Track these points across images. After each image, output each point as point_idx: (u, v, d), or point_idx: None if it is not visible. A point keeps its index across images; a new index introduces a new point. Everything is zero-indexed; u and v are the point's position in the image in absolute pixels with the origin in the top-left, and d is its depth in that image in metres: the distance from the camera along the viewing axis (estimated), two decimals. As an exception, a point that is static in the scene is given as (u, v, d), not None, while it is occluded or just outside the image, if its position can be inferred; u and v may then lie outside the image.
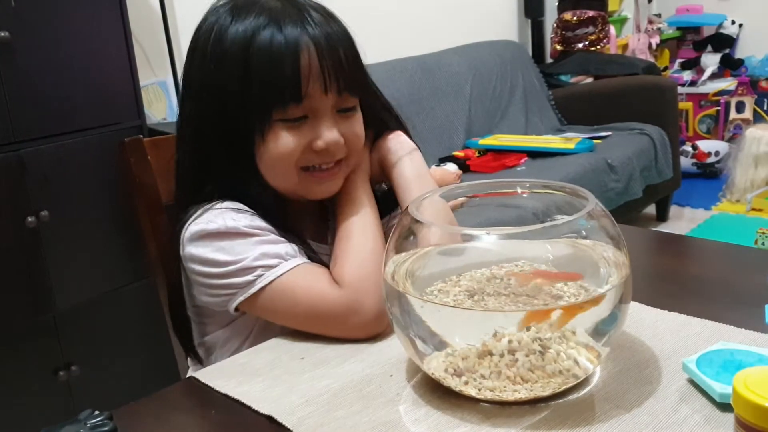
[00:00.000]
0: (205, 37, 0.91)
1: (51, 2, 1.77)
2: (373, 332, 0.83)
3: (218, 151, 0.92)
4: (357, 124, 0.95)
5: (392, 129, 1.02)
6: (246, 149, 0.91)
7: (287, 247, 0.88)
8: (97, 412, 0.65)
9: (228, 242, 0.87)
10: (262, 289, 0.85)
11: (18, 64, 1.72)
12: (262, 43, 0.87)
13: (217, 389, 0.75)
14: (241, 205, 0.91)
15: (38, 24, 1.75)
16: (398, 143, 1.01)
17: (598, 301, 0.67)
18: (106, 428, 0.63)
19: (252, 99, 0.88)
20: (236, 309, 0.88)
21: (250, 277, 0.85)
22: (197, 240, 0.89)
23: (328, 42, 0.88)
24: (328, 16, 0.92)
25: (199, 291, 0.92)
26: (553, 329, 0.65)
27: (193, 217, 0.91)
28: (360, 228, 0.91)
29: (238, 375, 0.78)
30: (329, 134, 0.91)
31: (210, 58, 0.90)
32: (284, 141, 0.90)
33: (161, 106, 2.45)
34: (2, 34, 1.68)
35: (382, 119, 1.02)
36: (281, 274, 0.85)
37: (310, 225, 1.00)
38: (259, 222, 0.89)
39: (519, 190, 0.81)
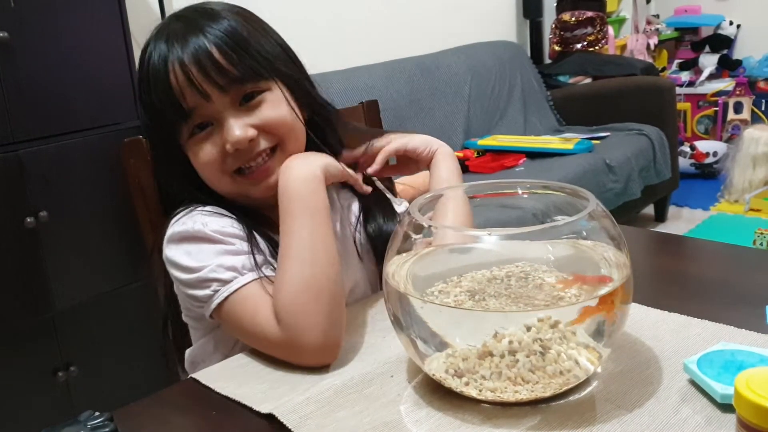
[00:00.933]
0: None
1: (50, 3, 1.77)
2: (318, 364, 0.78)
3: (161, 160, 0.96)
4: (272, 108, 0.91)
5: (323, 107, 1.00)
6: (180, 160, 0.93)
7: (245, 260, 0.85)
8: (97, 413, 0.65)
9: (194, 246, 0.87)
10: (220, 304, 0.84)
11: (17, 64, 1.72)
12: (145, 72, 0.90)
13: (218, 390, 0.75)
14: (221, 210, 0.91)
15: (37, 24, 1.75)
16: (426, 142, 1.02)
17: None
18: (107, 429, 0.63)
19: (156, 124, 0.91)
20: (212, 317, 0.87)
21: (208, 291, 0.84)
22: (169, 242, 0.89)
23: (194, 48, 0.87)
24: (203, 15, 0.91)
25: (179, 295, 0.92)
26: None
27: (173, 219, 0.91)
28: (296, 249, 0.82)
29: (238, 376, 0.78)
30: (233, 133, 0.88)
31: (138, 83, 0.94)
32: (200, 153, 0.90)
33: (160, 106, 2.45)
34: (1, 34, 1.67)
35: (312, 96, 0.99)
36: (232, 293, 0.83)
37: None
38: (231, 228, 0.88)
39: (519, 191, 0.81)
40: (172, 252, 0.88)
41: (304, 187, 0.85)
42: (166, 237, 0.90)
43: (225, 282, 0.84)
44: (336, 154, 0.98)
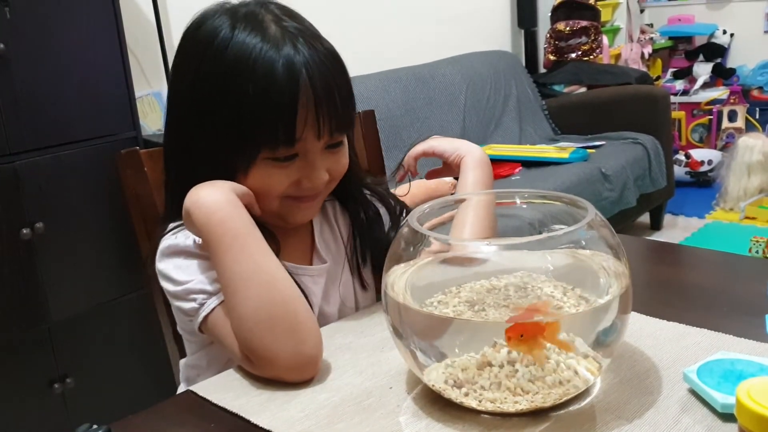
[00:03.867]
0: (200, 48, 0.86)
1: (46, 13, 1.77)
2: (301, 379, 0.76)
3: (200, 169, 0.87)
4: (344, 157, 0.92)
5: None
6: (226, 172, 0.87)
7: None
8: (95, 426, 0.65)
9: (184, 260, 0.86)
10: (206, 317, 0.83)
11: (13, 75, 1.72)
12: (260, 78, 0.82)
13: (215, 402, 0.75)
14: None
15: (33, 35, 1.75)
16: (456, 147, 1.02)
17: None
18: (105, 442, 0.62)
19: (242, 134, 0.84)
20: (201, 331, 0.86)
21: (194, 304, 0.84)
22: (161, 256, 0.88)
23: (325, 87, 0.84)
24: (326, 50, 0.87)
25: (172, 308, 0.91)
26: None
27: (168, 233, 0.90)
28: (237, 282, 0.78)
29: (236, 388, 0.78)
30: (318, 175, 0.88)
31: (203, 75, 0.86)
32: (271, 179, 0.87)
33: (156, 117, 2.45)
34: (-3, 45, 1.68)
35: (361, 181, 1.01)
36: (217, 305, 0.82)
37: (292, 244, 0.96)
38: None
39: (517, 201, 0.81)
40: (163, 265, 0.88)
41: (225, 214, 0.80)
42: (159, 250, 0.89)
43: (211, 294, 0.83)
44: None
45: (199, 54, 0.87)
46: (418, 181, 1.06)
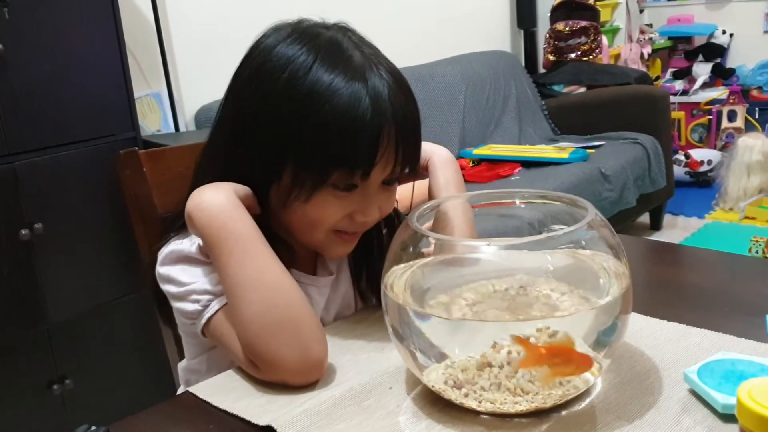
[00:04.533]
0: (276, 66, 0.82)
1: (45, 14, 1.77)
2: (306, 383, 0.76)
3: (243, 177, 0.85)
4: (394, 194, 0.90)
5: None
6: (267, 188, 0.85)
7: None
8: (94, 428, 0.64)
9: (189, 266, 0.85)
10: (208, 321, 0.82)
11: (12, 76, 1.71)
12: (344, 107, 0.79)
13: (215, 404, 0.75)
14: None
15: (32, 36, 1.74)
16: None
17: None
18: (104, 444, 0.62)
19: (313, 160, 0.81)
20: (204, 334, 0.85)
21: (198, 306, 0.83)
22: (163, 260, 0.87)
23: (406, 128, 0.83)
24: (403, 81, 0.85)
25: (173, 310, 0.90)
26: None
27: (171, 239, 0.89)
28: (241, 288, 0.78)
29: (236, 390, 0.77)
30: (374, 213, 0.86)
31: (276, 94, 0.82)
32: (329, 209, 0.84)
33: (155, 117, 2.45)
34: (-4, 46, 1.67)
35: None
36: (215, 312, 0.82)
37: (298, 254, 0.93)
38: None
39: (517, 201, 0.80)
40: (165, 269, 0.87)
41: (227, 216, 0.79)
42: (162, 254, 0.88)
43: (215, 296, 0.82)
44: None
45: (274, 77, 0.82)
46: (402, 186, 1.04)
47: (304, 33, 0.84)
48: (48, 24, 1.78)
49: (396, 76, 0.84)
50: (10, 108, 1.72)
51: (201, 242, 0.84)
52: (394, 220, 0.98)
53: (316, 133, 0.80)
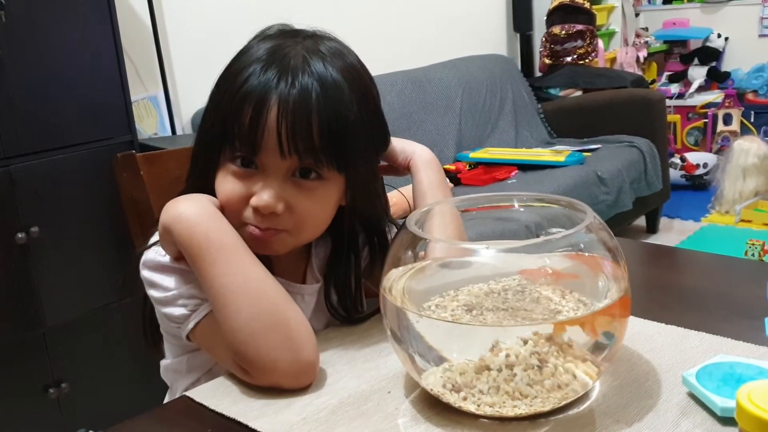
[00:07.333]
0: (230, 62, 0.85)
1: (41, 17, 1.76)
2: (299, 386, 0.76)
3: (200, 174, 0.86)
4: (315, 202, 0.83)
5: (376, 234, 0.93)
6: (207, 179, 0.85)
7: None
8: (91, 432, 0.64)
9: (169, 273, 0.84)
10: (195, 326, 0.82)
11: (8, 79, 1.71)
12: (240, 82, 0.80)
13: (212, 408, 0.74)
14: None
15: (28, 39, 1.74)
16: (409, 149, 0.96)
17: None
18: (101, 448, 0.62)
19: (214, 132, 0.83)
20: (188, 338, 0.85)
21: (184, 311, 0.82)
22: (145, 266, 0.87)
23: (301, 103, 0.78)
24: (339, 93, 0.81)
25: (156, 312, 0.89)
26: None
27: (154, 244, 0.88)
28: (227, 296, 0.76)
29: (233, 393, 0.77)
30: (265, 196, 0.80)
31: (220, 77, 0.85)
32: (228, 184, 0.83)
33: (152, 121, 2.44)
34: (-8, 49, 1.67)
35: (369, 218, 0.92)
36: (203, 317, 0.81)
37: (285, 260, 0.91)
38: None
39: (515, 204, 0.80)
40: (148, 273, 0.86)
41: (207, 226, 0.79)
42: (144, 259, 0.87)
43: (203, 301, 0.82)
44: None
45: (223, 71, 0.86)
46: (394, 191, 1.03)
47: (271, 36, 0.85)
48: (45, 27, 1.77)
49: (331, 83, 0.80)
50: (6, 111, 1.71)
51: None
52: (385, 231, 0.95)
53: (216, 111, 0.83)
